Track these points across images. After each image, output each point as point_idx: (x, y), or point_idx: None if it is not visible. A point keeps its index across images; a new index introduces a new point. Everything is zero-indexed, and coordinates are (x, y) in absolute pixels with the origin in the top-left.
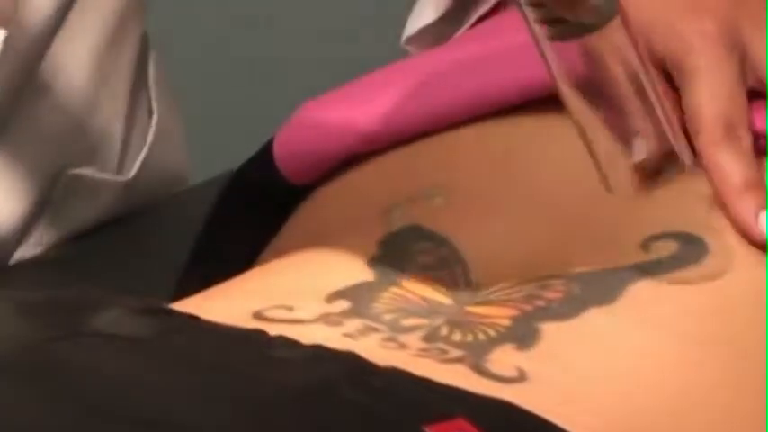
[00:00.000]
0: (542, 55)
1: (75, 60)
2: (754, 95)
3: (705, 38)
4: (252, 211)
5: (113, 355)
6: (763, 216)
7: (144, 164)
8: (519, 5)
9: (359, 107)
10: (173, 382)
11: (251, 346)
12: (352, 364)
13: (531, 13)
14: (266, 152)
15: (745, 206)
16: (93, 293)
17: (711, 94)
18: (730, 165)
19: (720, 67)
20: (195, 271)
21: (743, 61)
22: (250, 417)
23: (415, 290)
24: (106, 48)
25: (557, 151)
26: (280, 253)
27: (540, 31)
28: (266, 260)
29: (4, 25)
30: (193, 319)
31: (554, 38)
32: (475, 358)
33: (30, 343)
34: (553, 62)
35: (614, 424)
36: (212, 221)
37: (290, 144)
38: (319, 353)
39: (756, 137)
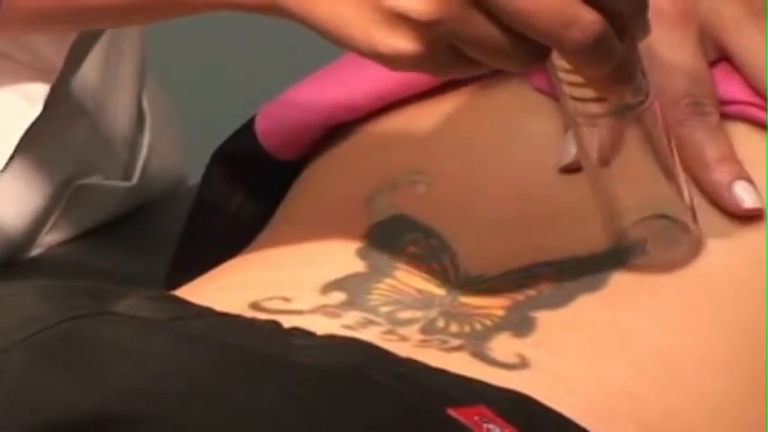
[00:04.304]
0: (575, 131)
1: (86, 75)
2: (716, 61)
3: (661, 18)
4: (237, 186)
5: (137, 333)
6: (736, 187)
7: (144, 166)
8: (558, 81)
9: (333, 82)
10: (200, 360)
11: (269, 334)
12: (372, 351)
13: (569, 91)
14: (248, 128)
15: (718, 179)
16: (107, 285)
17: (674, 73)
18: (701, 141)
19: (679, 46)
20: (186, 247)
21: (701, 31)
22: (293, 396)
23: (408, 281)
24: (112, 54)
25: (530, 129)
26: (269, 243)
27: (576, 107)
28: (255, 251)
29: (48, 80)
30: (206, 309)
31: (594, 116)
32: (475, 347)
33: (54, 322)
34: (583, 137)
35: (614, 410)
36: (199, 198)
37: (270, 118)
38: (337, 341)
39: (723, 103)
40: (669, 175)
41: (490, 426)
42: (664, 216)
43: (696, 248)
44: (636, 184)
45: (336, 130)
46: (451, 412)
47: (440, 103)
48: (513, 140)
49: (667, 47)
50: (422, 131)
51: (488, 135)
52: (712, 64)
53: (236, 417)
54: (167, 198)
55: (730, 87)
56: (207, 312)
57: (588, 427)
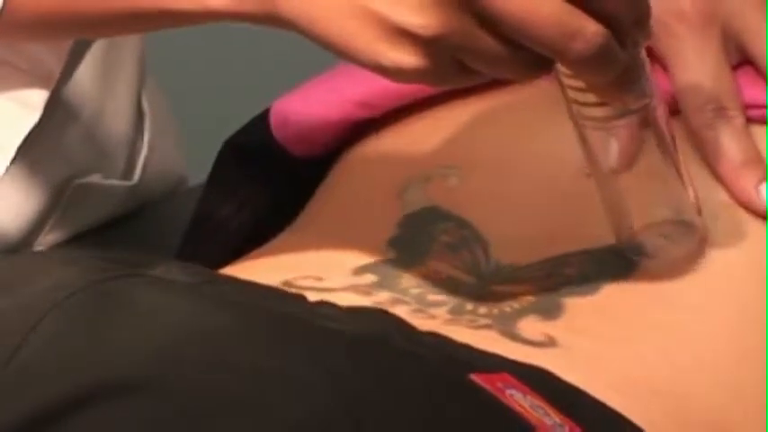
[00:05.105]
0: (580, 134)
1: (85, 75)
2: (739, 64)
3: (683, 21)
4: (246, 176)
5: (172, 294)
6: (763, 189)
7: (144, 166)
8: (561, 85)
9: (350, 79)
10: (228, 324)
11: (295, 302)
12: (396, 321)
13: (572, 95)
14: (262, 120)
15: (745, 181)
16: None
17: (698, 77)
18: (726, 144)
19: (702, 49)
20: (194, 234)
21: (724, 34)
22: (319, 361)
23: (439, 268)
24: (111, 55)
25: (559, 126)
26: (301, 235)
27: (580, 111)
28: (287, 243)
29: (46, 86)
30: (235, 278)
31: (597, 120)
32: (504, 326)
33: (87, 282)
34: (588, 140)
35: (637, 389)
36: (209, 187)
37: (285, 111)
38: (361, 311)
39: (746, 107)
40: (674, 175)
41: (513, 391)
42: (670, 216)
43: (702, 246)
44: (641, 185)
45: (363, 129)
46: (474, 377)
47: (470, 101)
48: (543, 136)
49: (691, 50)
50: (453, 128)
51: (519, 131)
52: (735, 67)
53: (262, 384)
54: (167, 198)
55: (753, 91)
56: (233, 280)
57: (610, 402)
